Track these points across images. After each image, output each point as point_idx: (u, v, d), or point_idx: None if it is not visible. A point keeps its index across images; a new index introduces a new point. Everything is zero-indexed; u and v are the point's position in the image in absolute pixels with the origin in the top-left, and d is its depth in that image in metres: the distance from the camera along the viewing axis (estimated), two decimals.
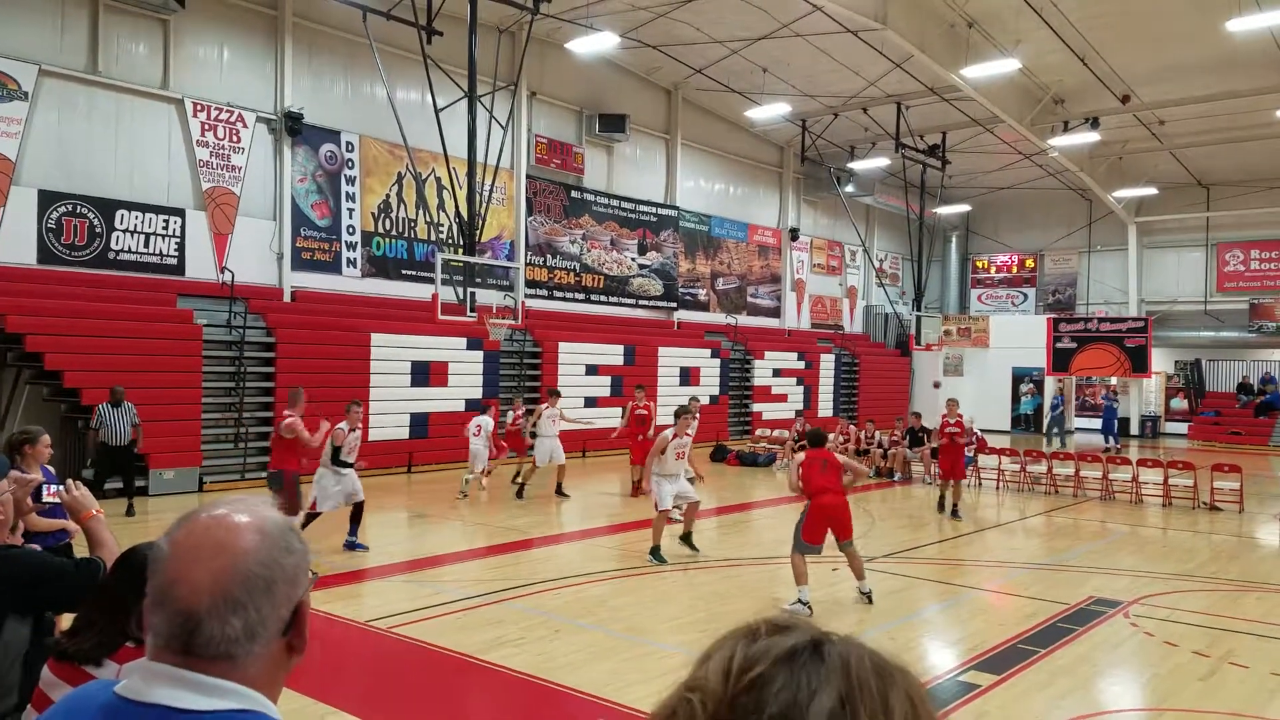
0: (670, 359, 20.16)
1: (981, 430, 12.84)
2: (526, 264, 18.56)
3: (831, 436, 11.50)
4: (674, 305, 22.13)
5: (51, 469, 4.83)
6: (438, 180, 16.84)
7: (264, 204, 14.92)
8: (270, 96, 14.98)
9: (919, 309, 24.11)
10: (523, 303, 15.70)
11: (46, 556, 2.87)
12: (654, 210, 21.58)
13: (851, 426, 17.87)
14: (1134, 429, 26.43)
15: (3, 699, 2.45)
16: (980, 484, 14.85)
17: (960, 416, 11.99)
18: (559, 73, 19.00)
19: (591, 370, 18.35)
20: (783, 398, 23.12)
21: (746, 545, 9.76)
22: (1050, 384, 26.76)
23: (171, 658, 0.96)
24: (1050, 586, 8.04)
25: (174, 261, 13.84)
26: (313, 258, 15.48)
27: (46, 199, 12.58)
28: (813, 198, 26.16)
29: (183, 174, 13.99)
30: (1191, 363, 27.67)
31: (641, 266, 21.34)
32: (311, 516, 8.59)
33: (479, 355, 16.44)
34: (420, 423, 15.49)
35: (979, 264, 31.19)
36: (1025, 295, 30.36)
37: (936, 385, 13.67)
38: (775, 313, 25.36)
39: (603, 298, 20.45)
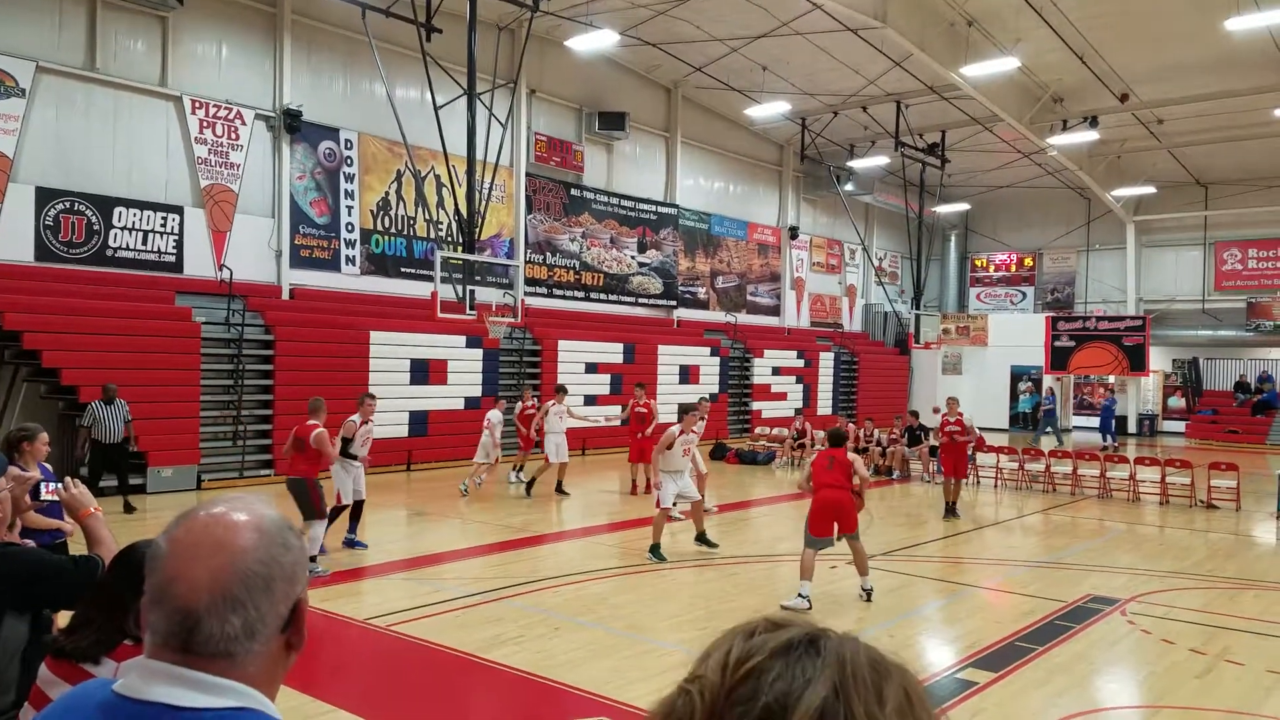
0: (670, 357, 20.17)
1: (980, 428, 12.86)
2: (526, 262, 18.55)
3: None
4: (673, 303, 22.13)
5: (49, 466, 4.83)
6: (437, 178, 16.83)
7: (262, 201, 14.90)
8: (269, 93, 14.96)
9: (918, 307, 24.12)
10: (522, 301, 15.70)
11: (45, 554, 2.87)
12: (654, 208, 21.57)
13: (850, 424, 17.88)
14: (1132, 427, 26.46)
15: (1, 696, 2.45)
16: (979, 482, 14.87)
17: (960, 415, 11.96)
18: (559, 70, 18.98)
19: (591, 368, 18.35)
20: (782, 396, 23.13)
21: (746, 543, 9.77)
22: (1045, 381, 26.78)
23: (170, 656, 0.96)
24: (1048, 584, 8.05)
25: (172, 259, 13.82)
26: (311, 255, 15.47)
27: (44, 196, 12.56)
28: (812, 196, 26.16)
29: (181, 171, 13.97)
30: (1189, 361, 27.71)
31: (641, 265, 21.34)
32: (338, 510, 8.64)
33: (478, 353, 16.44)
34: (419, 421, 15.48)
35: (978, 262, 31.20)
36: (1024, 294, 30.39)
37: (936, 411, 13.66)
38: (775, 311, 25.37)
39: (602, 296, 20.45)
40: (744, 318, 23.88)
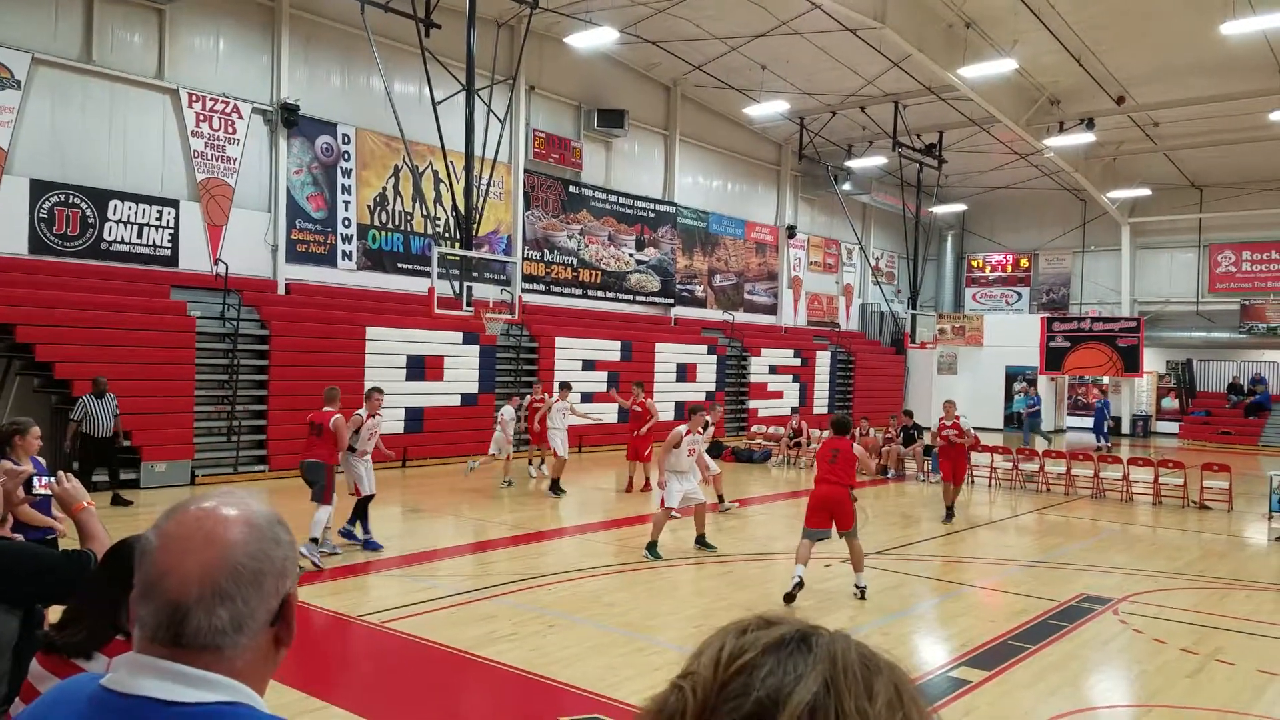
0: (667, 355, 20.18)
1: (975, 429, 12.88)
2: (523, 259, 18.53)
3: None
4: (671, 301, 22.14)
5: (42, 460, 4.82)
6: (435, 174, 16.80)
7: (259, 196, 14.85)
8: (266, 88, 14.91)
9: (914, 307, 24.17)
10: (519, 297, 15.68)
11: (37, 548, 2.86)
12: (652, 206, 21.56)
13: (851, 436, 17.84)
14: (1125, 428, 26.56)
15: None
16: (973, 482, 14.90)
17: (958, 418, 11.87)
18: (557, 67, 18.95)
19: (588, 366, 18.34)
20: (778, 395, 23.16)
21: (741, 541, 9.78)
22: (1040, 382, 26.84)
23: (159, 649, 0.96)
24: (1041, 584, 8.08)
25: (167, 253, 13.78)
26: (308, 250, 15.43)
27: (39, 188, 12.50)
28: (810, 195, 26.18)
29: (177, 165, 13.92)
30: (1183, 363, 27.82)
31: (639, 262, 21.33)
32: (366, 500, 8.70)
33: (475, 350, 16.42)
34: (415, 417, 15.46)
35: (974, 263, 31.27)
36: (1019, 294, 30.46)
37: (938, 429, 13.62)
38: (772, 310, 25.40)
39: (600, 293, 20.44)
40: (741, 316, 23.90)
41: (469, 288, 13.33)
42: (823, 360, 24.79)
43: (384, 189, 16.54)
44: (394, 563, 8.28)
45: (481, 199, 14.05)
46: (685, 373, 20.54)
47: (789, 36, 17.70)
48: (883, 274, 28.78)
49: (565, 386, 13.28)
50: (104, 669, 1.96)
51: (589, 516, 11.21)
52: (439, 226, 16.95)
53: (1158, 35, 17.01)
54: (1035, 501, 13.38)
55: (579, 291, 19.98)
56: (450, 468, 14.89)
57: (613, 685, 5.15)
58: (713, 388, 21.03)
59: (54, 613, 2.35)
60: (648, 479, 12.95)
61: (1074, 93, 19.87)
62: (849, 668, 0.62)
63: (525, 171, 18.66)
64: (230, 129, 14.41)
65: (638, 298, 21.37)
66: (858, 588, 7.33)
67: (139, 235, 13.47)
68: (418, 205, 16.80)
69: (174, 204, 13.83)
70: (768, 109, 20.60)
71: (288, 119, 14.89)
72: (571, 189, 19.73)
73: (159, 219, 13.66)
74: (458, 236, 14.26)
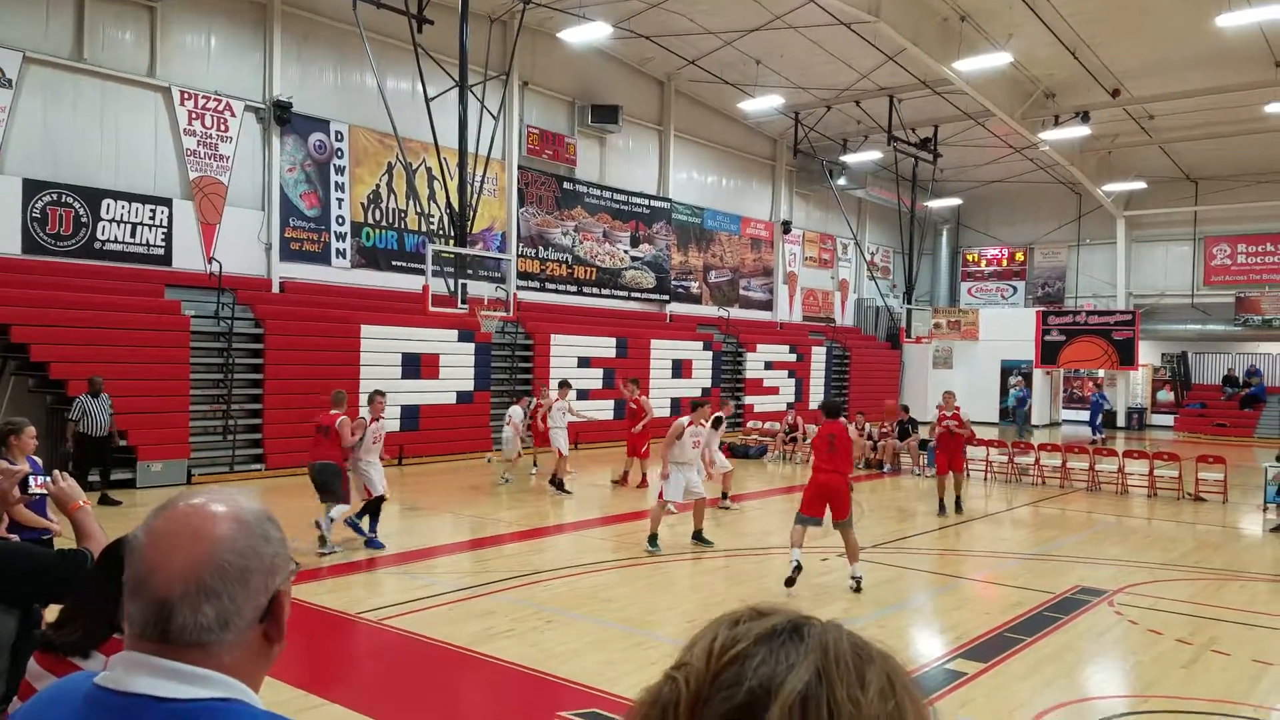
0: (662, 351, 20.18)
1: (971, 422, 12.92)
2: (518, 256, 18.50)
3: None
4: (666, 298, 22.13)
5: (38, 460, 4.81)
6: (428, 170, 16.75)
7: (252, 194, 14.80)
8: (259, 85, 14.85)
9: (909, 302, 24.19)
10: (514, 294, 15.67)
11: (33, 548, 2.86)
12: (646, 202, 21.54)
13: (843, 418, 17.92)
14: (1121, 421, 26.65)
15: None
16: (969, 475, 14.93)
17: (957, 409, 11.86)
18: (551, 63, 18.90)
19: (584, 363, 18.34)
20: (774, 390, 23.18)
21: (738, 536, 9.80)
22: (1039, 375, 26.93)
23: (147, 645, 0.96)
24: (1036, 576, 8.11)
25: (161, 252, 13.73)
26: (301, 248, 15.39)
27: (31, 188, 12.44)
28: (805, 191, 26.18)
29: (170, 163, 13.86)
30: (1178, 355, 27.91)
31: (634, 259, 21.32)
32: (379, 501, 8.77)
33: (470, 347, 16.40)
34: (411, 415, 15.44)
35: (969, 257, 31.31)
36: (1015, 288, 30.52)
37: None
38: (767, 305, 25.41)
39: (595, 290, 20.42)
40: (736, 312, 23.91)
41: (464, 285, 13.32)
42: (818, 356, 24.82)
43: (377, 186, 16.50)
44: (392, 560, 8.28)
45: (475, 196, 14.03)
46: (681, 369, 20.54)
47: (783, 31, 17.68)
48: (878, 269, 28.81)
49: (565, 385, 13.29)
50: (101, 668, 1.96)
51: (586, 513, 11.22)
52: (433, 224, 16.91)
53: (1153, 28, 17.02)
54: (1030, 494, 13.42)
55: (574, 288, 19.96)
56: (447, 465, 14.89)
57: (611, 680, 5.16)
58: (708, 384, 21.04)
59: (51, 612, 2.34)
60: (644, 476, 12.96)
61: (1069, 86, 19.88)
62: (841, 657, 0.63)
63: (519, 168, 18.62)
64: (223, 127, 14.35)
65: (633, 294, 21.36)
66: (853, 579, 7.35)
67: (132, 234, 13.42)
68: (411, 202, 16.76)
69: (167, 203, 13.78)
70: (762, 104, 20.58)
71: (280, 116, 14.84)
72: (566, 185, 19.70)
73: (152, 218, 13.61)
74: (452, 234, 14.23)
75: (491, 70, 14.53)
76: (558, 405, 12.85)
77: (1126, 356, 25.50)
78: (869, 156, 23.84)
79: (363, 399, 14.13)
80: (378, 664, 5.64)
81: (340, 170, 15.90)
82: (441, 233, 16.64)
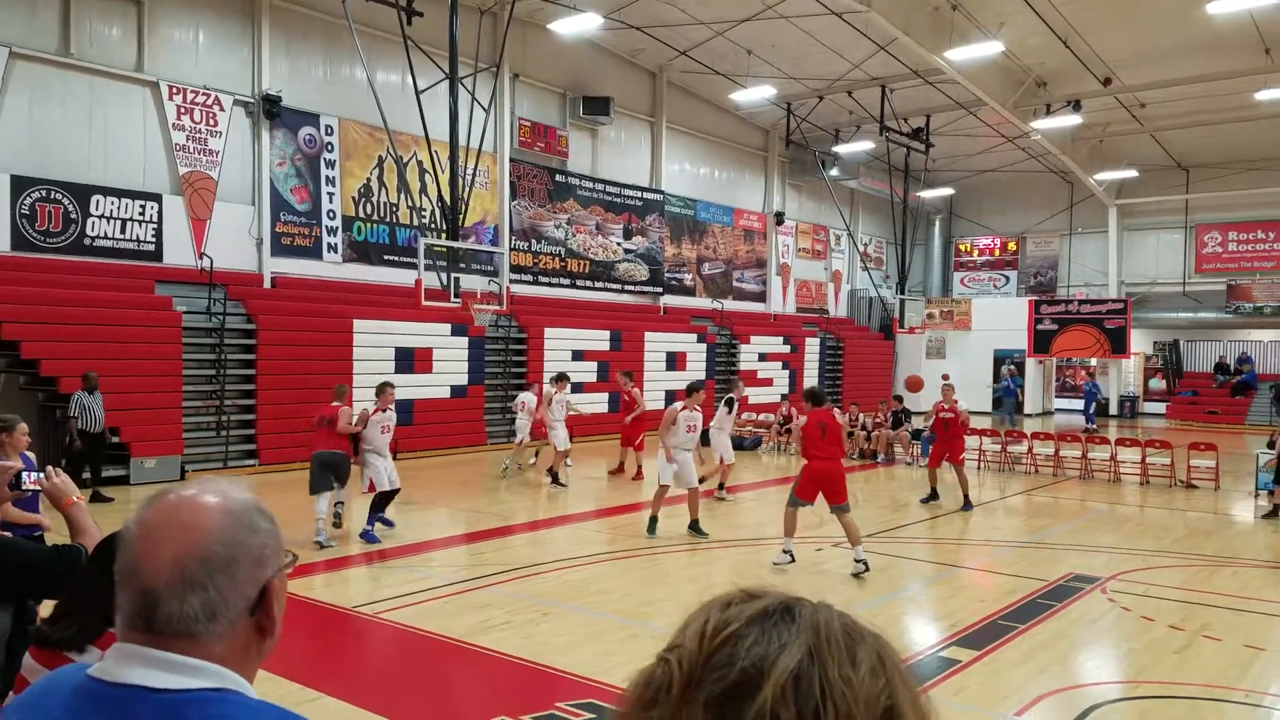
0: (656, 344, 20.18)
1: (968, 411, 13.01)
2: (511, 249, 18.45)
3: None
4: (660, 290, 22.12)
5: (32, 456, 4.79)
6: (419, 164, 16.68)
7: (242, 188, 14.72)
8: (247, 79, 14.74)
9: (902, 292, 24.23)
10: (507, 288, 15.62)
11: (28, 543, 2.85)
12: (639, 194, 21.50)
13: (836, 410, 17.98)
14: (1113, 409, 26.78)
15: None
16: (962, 464, 14.99)
17: (956, 401, 11.82)
18: (542, 54, 18.81)
19: (578, 356, 18.32)
20: (768, 382, 23.21)
21: (733, 527, 9.84)
22: (1031, 364, 27.04)
23: (136, 636, 0.96)
24: (1030, 564, 8.17)
25: (151, 247, 13.64)
26: (293, 243, 15.31)
27: (19, 184, 12.35)
28: (798, 182, 26.16)
29: (159, 158, 13.76)
30: (1170, 343, 28.05)
31: (627, 251, 21.29)
32: (390, 495, 8.84)
33: (464, 341, 16.37)
34: (404, 409, 15.36)
35: (962, 247, 31.37)
36: (1007, 278, 30.60)
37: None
38: (761, 297, 25.42)
39: (588, 283, 20.39)
40: (730, 304, 23.92)
41: (456, 279, 13.28)
42: (812, 346, 24.85)
43: (368, 180, 16.42)
44: (388, 554, 8.28)
45: (467, 189, 13.97)
46: (675, 361, 20.55)
47: (775, 21, 17.64)
48: (871, 259, 28.84)
49: (562, 378, 13.26)
50: (96, 662, 1.96)
51: (581, 505, 11.24)
52: (425, 217, 16.84)
53: (1144, 16, 17.04)
54: (1024, 483, 13.50)
55: (567, 281, 19.93)
56: (442, 460, 14.89)
57: (607, 671, 5.18)
58: (702, 375, 21.05)
59: (46, 607, 2.34)
60: (639, 467, 12.98)
61: (1060, 75, 19.89)
62: (832, 637, 0.63)
63: (511, 161, 18.55)
64: (212, 121, 14.25)
65: (626, 287, 21.33)
66: (857, 561, 7.39)
67: (122, 230, 13.33)
68: (403, 196, 16.68)
69: (157, 198, 13.69)
70: (754, 94, 20.54)
71: (270, 110, 14.74)
72: (558, 178, 19.64)
73: (142, 214, 13.52)
74: (444, 227, 14.17)
75: (482, 62, 14.45)
76: (556, 398, 12.84)
77: (1118, 345, 25.62)
78: (861, 147, 23.84)
79: (357, 394, 14.17)
80: (375, 657, 5.65)
81: (331, 164, 15.82)
82: (433, 226, 16.58)
